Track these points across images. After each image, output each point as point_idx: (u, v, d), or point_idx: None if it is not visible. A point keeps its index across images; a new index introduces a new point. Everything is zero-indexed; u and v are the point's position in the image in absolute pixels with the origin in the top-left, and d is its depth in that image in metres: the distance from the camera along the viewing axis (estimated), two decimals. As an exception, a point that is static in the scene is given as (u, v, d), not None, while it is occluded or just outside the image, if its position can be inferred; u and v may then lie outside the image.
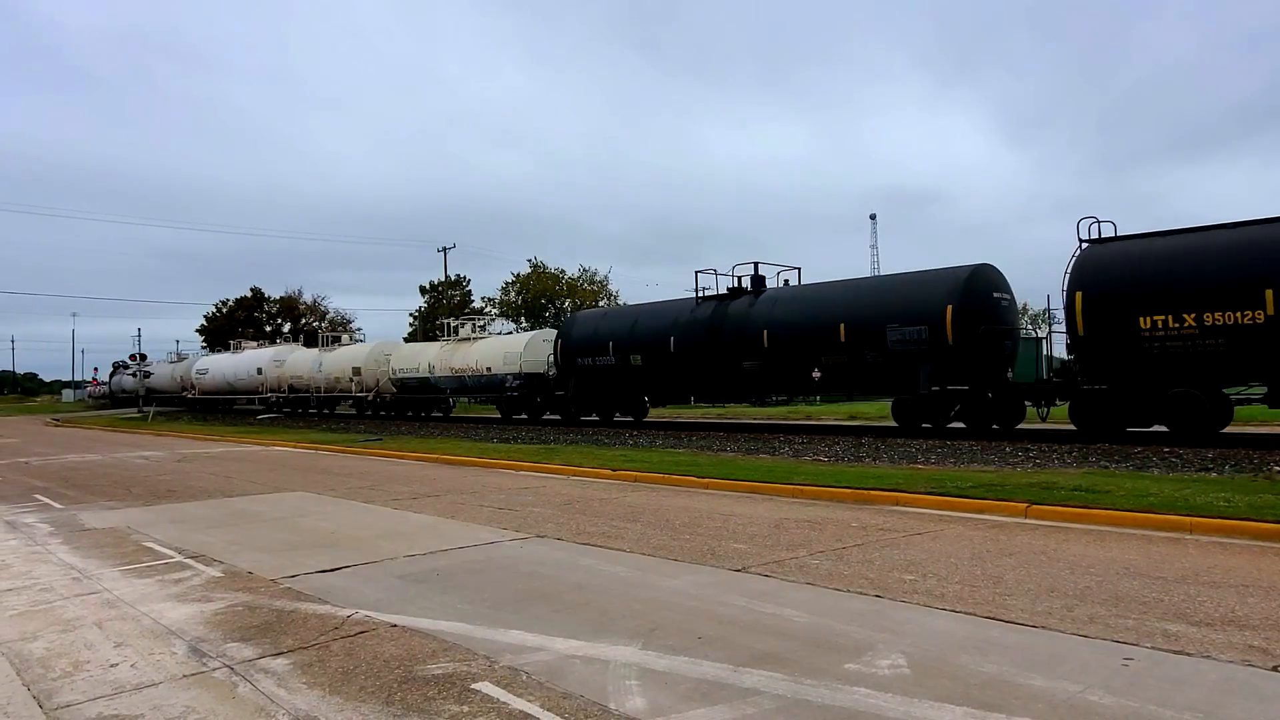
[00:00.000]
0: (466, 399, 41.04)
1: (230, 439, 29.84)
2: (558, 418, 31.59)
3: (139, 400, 63.10)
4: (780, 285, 25.90)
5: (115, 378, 79.64)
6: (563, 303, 63.20)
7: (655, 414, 33.74)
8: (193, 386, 59.26)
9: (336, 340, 49.19)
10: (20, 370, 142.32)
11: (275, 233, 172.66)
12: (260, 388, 50.74)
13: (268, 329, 76.51)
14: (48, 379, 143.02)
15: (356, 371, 42.02)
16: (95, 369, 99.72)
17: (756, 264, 25.66)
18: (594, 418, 30.53)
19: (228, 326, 74.79)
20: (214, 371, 56.94)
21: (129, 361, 73.66)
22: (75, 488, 15.91)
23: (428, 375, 37.38)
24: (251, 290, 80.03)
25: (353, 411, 44.95)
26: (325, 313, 79.17)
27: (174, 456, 23.18)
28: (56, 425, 48.49)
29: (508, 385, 32.74)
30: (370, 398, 41.63)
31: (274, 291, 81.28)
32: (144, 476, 17.77)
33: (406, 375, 38.95)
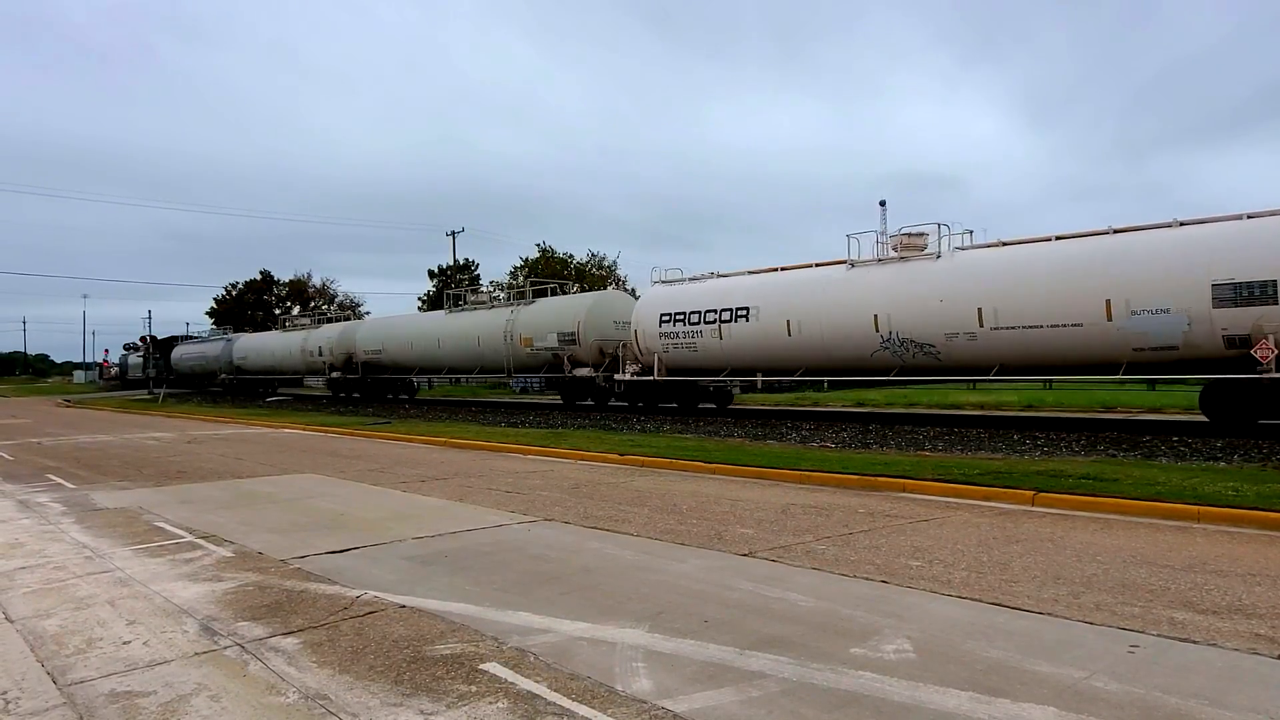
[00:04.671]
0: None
1: (240, 421, 29.99)
2: None
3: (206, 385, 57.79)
4: None
5: (218, 345, 56.32)
6: (570, 287, 63.17)
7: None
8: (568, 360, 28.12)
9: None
10: (31, 351, 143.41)
11: (283, 215, 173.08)
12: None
13: (277, 312, 76.69)
14: (59, 360, 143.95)
15: None
16: (106, 351, 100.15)
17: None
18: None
19: (237, 309, 74.97)
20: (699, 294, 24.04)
21: (139, 343, 73.83)
22: (87, 468, 16.03)
23: None
24: (261, 273, 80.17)
25: None
26: (334, 296, 79.32)
27: (184, 438, 23.31)
28: (68, 406, 48.77)
29: None
30: None
31: (283, 274, 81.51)
32: (155, 457, 17.89)
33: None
